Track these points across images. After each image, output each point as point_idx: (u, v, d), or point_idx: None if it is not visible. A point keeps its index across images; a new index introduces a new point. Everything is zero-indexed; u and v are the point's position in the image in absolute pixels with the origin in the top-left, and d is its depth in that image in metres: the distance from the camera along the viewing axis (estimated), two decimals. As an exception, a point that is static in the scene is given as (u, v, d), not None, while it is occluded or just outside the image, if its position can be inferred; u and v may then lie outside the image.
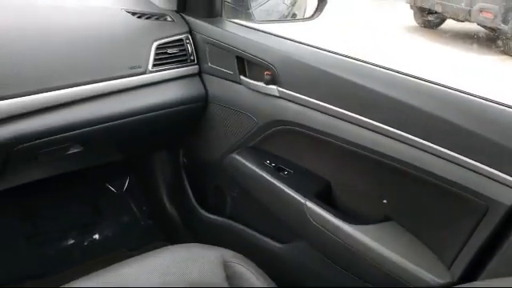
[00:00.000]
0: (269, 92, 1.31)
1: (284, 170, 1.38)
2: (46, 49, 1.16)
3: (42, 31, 1.18)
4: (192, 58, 1.46)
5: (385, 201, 1.19)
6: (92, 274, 1.08)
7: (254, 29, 1.44)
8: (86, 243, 1.80)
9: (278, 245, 1.43)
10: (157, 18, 1.42)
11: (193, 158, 1.69)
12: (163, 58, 1.38)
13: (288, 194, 1.30)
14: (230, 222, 1.59)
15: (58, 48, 1.18)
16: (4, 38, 1.10)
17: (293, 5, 1.92)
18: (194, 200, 1.68)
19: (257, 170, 1.39)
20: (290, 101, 1.27)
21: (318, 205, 1.24)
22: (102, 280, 1.07)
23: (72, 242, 1.78)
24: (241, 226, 1.55)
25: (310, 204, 1.25)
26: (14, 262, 1.63)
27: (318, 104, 1.19)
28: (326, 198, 1.29)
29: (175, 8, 1.50)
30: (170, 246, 1.25)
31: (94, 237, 1.83)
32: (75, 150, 1.29)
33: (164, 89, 1.39)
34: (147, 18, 1.40)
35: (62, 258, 1.72)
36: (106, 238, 1.83)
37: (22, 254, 1.66)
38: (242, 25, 1.46)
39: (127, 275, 1.08)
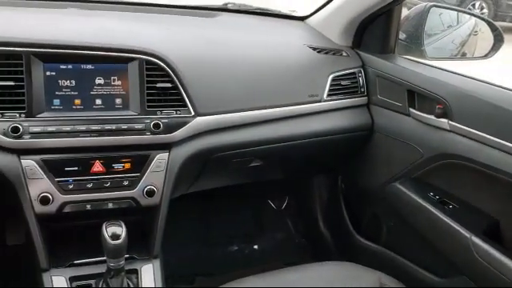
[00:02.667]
0: (439, 125, 1.35)
1: (448, 204, 1.39)
2: (243, 77, 1.37)
3: (243, 61, 1.40)
4: (362, 90, 1.57)
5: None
6: (260, 274, 1.22)
7: (427, 64, 1.50)
8: (246, 251, 1.99)
9: (435, 278, 1.43)
10: (334, 53, 1.57)
11: (351, 184, 1.78)
12: (337, 88, 1.51)
13: (452, 227, 1.31)
14: (385, 249, 1.63)
15: (252, 76, 1.39)
16: (216, 67, 1.34)
17: (462, 45, 1.93)
18: (350, 225, 1.76)
19: (420, 201, 1.42)
20: (461, 135, 1.29)
21: (484, 241, 1.23)
22: (268, 280, 1.20)
23: (236, 248, 1.98)
24: (395, 255, 1.58)
25: (475, 239, 1.25)
26: (188, 260, 1.87)
27: (493, 140, 1.20)
28: (493, 235, 1.27)
29: (350, 44, 1.64)
30: (329, 262, 1.35)
31: (254, 247, 2.01)
32: (256, 164, 1.48)
33: (335, 116, 1.52)
34: (325, 53, 1.56)
35: (227, 261, 1.94)
36: (263, 249, 2.01)
37: (194, 253, 1.91)
38: (414, 60, 1.54)
39: (291, 281, 1.21)
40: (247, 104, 1.35)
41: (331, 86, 1.50)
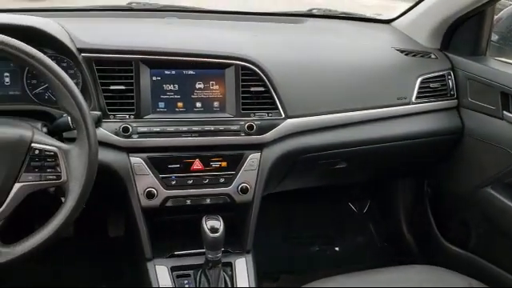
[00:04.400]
0: (537, 129, 1.30)
1: None
2: (332, 80, 1.41)
3: (331, 65, 1.44)
4: (452, 92, 1.54)
5: None
6: (347, 274, 1.24)
7: (522, 66, 1.45)
8: (328, 253, 2.01)
9: (530, 287, 1.38)
10: (422, 56, 1.57)
11: (438, 188, 1.75)
12: (426, 91, 1.50)
13: None
14: (474, 256, 1.58)
15: (340, 79, 1.42)
16: (305, 71, 1.39)
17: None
18: (436, 229, 1.72)
19: None
20: None
21: None
22: (356, 280, 1.21)
23: (317, 249, 2.01)
24: (485, 262, 1.54)
25: None
26: (271, 257, 1.91)
27: None
28: None
29: (439, 46, 1.62)
30: (418, 265, 1.33)
31: (336, 249, 2.03)
32: (341, 166, 1.50)
33: (423, 119, 1.51)
34: (413, 56, 1.55)
35: (308, 261, 1.97)
36: (345, 251, 2.02)
37: (277, 251, 1.96)
38: (507, 62, 1.49)
39: (379, 281, 1.21)
40: (335, 106, 1.38)
41: (420, 88, 1.49)
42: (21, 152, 0.94)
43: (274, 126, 1.29)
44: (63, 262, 1.72)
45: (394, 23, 1.74)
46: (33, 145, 0.95)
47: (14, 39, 0.93)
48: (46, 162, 0.96)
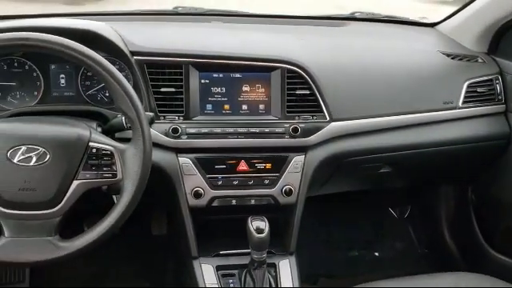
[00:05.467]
0: None
1: None
2: (377, 83, 1.40)
3: (376, 68, 1.43)
4: (500, 97, 1.51)
5: None
6: (392, 279, 1.22)
7: None
8: (367, 257, 2.00)
9: None
10: (468, 60, 1.54)
11: (484, 195, 1.71)
12: (472, 96, 1.48)
13: None
14: (521, 265, 1.55)
15: (386, 83, 1.41)
16: (350, 74, 1.39)
17: None
18: (481, 237, 1.69)
19: None
20: None
21: None
22: (395, 284, 1.20)
23: (356, 254, 2.00)
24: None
25: None
26: (310, 260, 1.91)
27: None
28: None
29: (486, 50, 1.59)
30: (465, 273, 1.30)
31: (375, 254, 2.01)
32: (385, 170, 1.49)
33: (469, 124, 1.48)
34: (460, 60, 1.53)
35: (347, 265, 1.96)
36: (384, 257, 2.00)
37: (316, 254, 1.95)
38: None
39: (427, 286, 1.19)
40: (380, 110, 1.38)
41: (467, 92, 1.47)
42: (79, 151, 0.98)
43: (319, 128, 1.29)
44: (107, 260, 1.77)
45: (439, 27, 1.72)
46: (90, 144, 0.99)
47: (73, 41, 0.98)
48: (102, 160, 0.99)
